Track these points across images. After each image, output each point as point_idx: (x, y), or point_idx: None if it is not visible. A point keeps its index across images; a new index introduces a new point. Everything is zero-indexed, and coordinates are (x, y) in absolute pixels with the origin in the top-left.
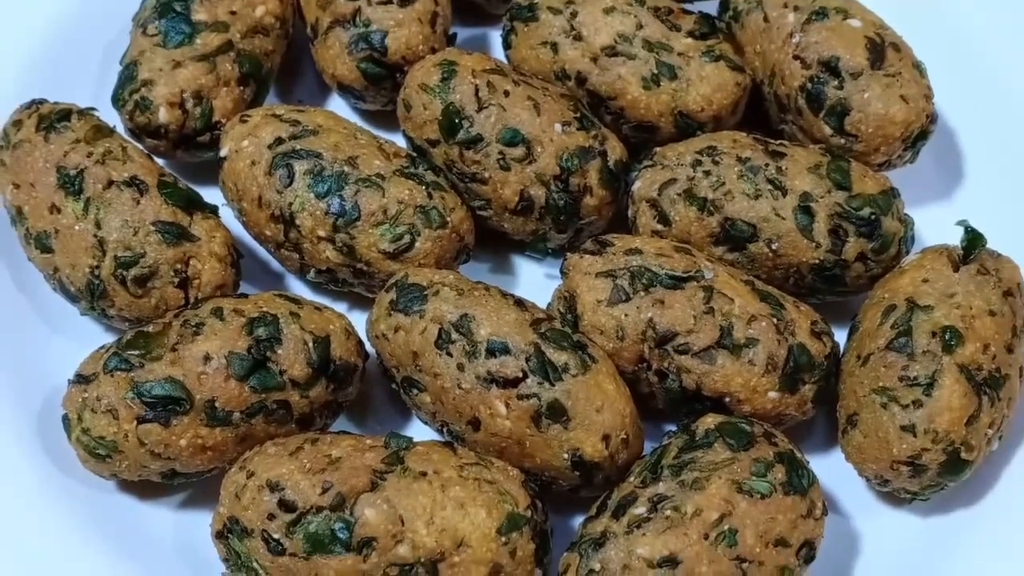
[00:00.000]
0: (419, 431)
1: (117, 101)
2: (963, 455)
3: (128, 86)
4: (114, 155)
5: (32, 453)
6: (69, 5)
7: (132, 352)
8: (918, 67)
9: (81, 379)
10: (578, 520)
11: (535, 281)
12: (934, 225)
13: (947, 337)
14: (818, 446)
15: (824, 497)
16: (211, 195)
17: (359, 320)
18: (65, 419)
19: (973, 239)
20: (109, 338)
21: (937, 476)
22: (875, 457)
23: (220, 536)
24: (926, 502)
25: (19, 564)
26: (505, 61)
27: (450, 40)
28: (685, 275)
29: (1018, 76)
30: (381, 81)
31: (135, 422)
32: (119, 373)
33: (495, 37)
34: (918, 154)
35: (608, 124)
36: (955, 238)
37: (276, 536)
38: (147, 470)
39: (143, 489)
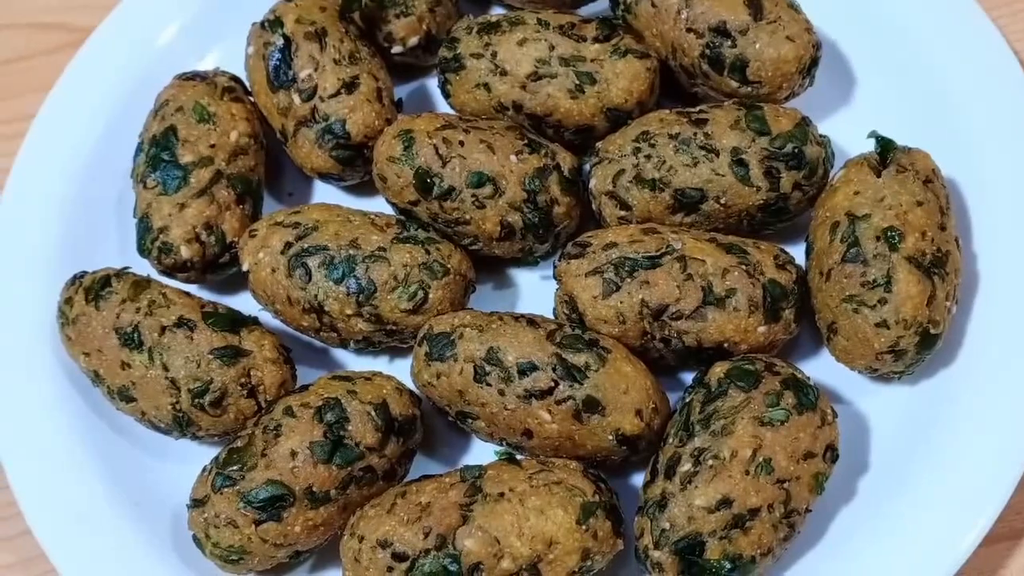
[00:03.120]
0: (481, 447)
1: (142, 251)
2: (932, 331)
3: (147, 236)
4: (158, 303)
5: (176, 569)
6: (72, 180)
7: (231, 468)
8: (792, 6)
9: (197, 503)
10: (635, 478)
11: (533, 285)
12: (847, 132)
13: (890, 236)
14: (809, 352)
15: (830, 402)
16: (246, 300)
17: (403, 367)
18: (195, 539)
19: (885, 145)
20: (203, 452)
21: (916, 355)
22: (860, 354)
23: None
24: (912, 375)
25: None
26: (448, 109)
27: (398, 106)
28: (658, 253)
29: None
30: (353, 161)
31: (253, 526)
32: (226, 489)
33: (433, 85)
34: (814, 78)
35: (552, 137)
36: (869, 140)
37: None
38: (275, 559)
39: (278, 569)
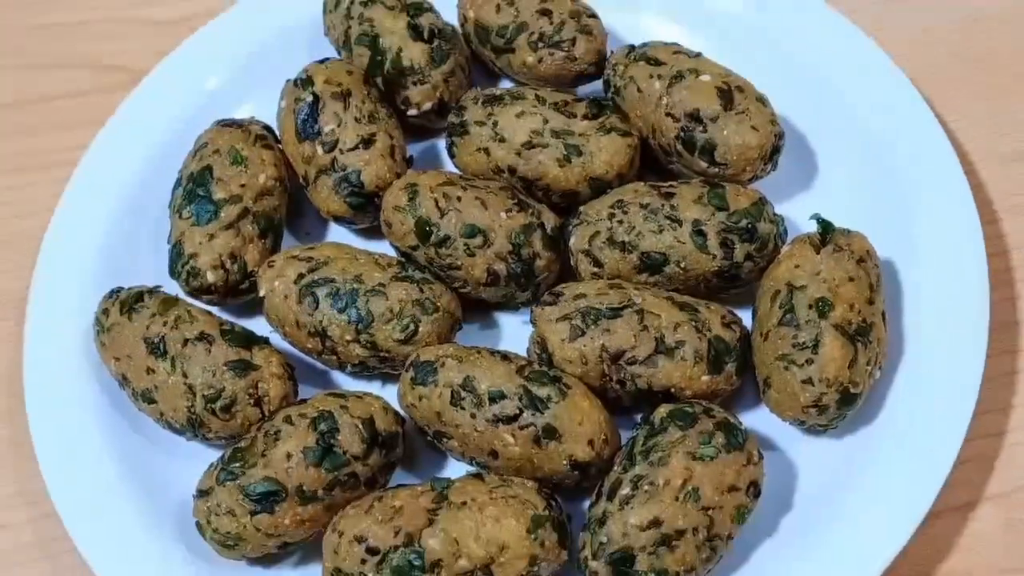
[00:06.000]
0: (455, 466)
1: (173, 274)
2: (852, 391)
3: (179, 261)
4: (183, 319)
5: (178, 554)
6: (116, 206)
7: (234, 465)
8: (761, 100)
9: (202, 493)
10: (586, 503)
11: (514, 327)
12: (801, 212)
13: (820, 306)
14: (749, 403)
15: (758, 444)
16: (259, 323)
17: (391, 391)
18: (198, 525)
19: (825, 227)
20: (210, 453)
21: (837, 410)
22: (789, 407)
23: None
24: (836, 429)
25: None
26: (453, 167)
27: (408, 162)
28: (620, 306)
29: (845, 81)
30: (365, 208)
31: (249, 516)
32: (228, 483)
33: (441, 145)
34: (777, 164)
35: (540, 199)
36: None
37: (370, 574)
38: (266, 547)
39: (267, 559)
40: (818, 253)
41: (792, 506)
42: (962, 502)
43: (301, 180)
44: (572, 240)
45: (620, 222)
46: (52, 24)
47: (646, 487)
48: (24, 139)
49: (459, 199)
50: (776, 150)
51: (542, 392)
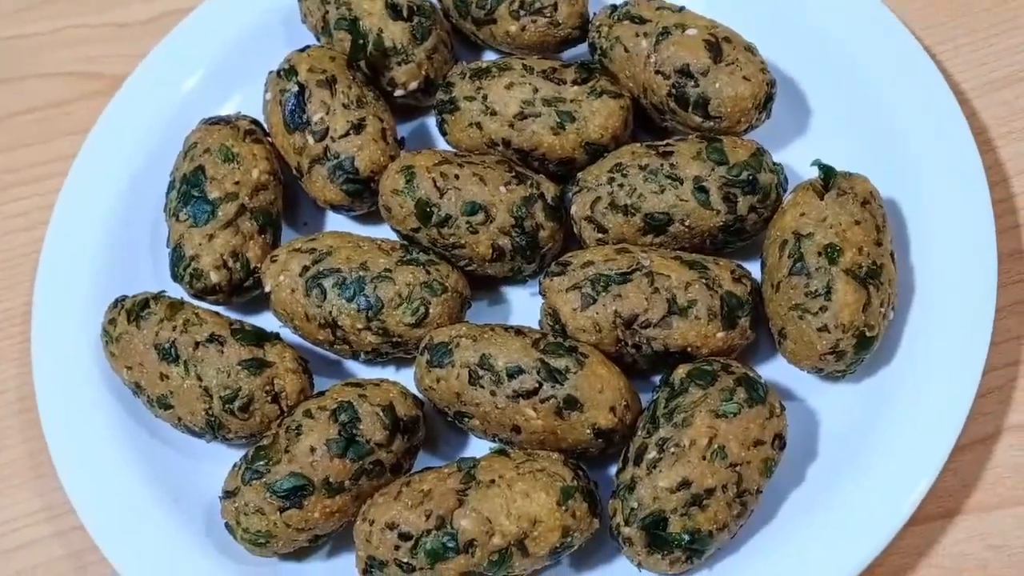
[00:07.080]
0: (477, 444)
1: (176, 277)
2: (868, 334)
3: (180, 264)
4: (191, 322)
5: (211, 555)
6: (110, 213)
7: (258, 463)
8: (750, 49)
9: (228, 494)
10: (612, 469)
11: (523, 300)
12: (800, 158)
13: (830, 252)
14: (767, 355)
15: (779, 397)
16: (267, 318)
17: (407, 376)
18: (227, 526)
19: (827, 172)
20: (231, 453)
21: (855, 355)
22: (806, 356)
23: (365, 572)
24: (854, 373)
25: None
26: (445, 145)
27: (401, 143)
28: (629, 270)
29: (830, 21)
30: (361, 194)
31: (278, 512)
32: (254, 482)
33: (432, 123)
34: (771, 112)
35: (537, 169)
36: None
37: (405, 560)
38: (297, 542)
39: (299, 554)
40: (822, 199)
41: (817, 454)
42: (985, 434)
43: (294, 171)
44: (574, 208)
45: (620, 186)
46: (22, 36)
47: (672, 449)
48: (7, 155)
49: (457, 177)
50: (769, 98)
51: (559, 363)
